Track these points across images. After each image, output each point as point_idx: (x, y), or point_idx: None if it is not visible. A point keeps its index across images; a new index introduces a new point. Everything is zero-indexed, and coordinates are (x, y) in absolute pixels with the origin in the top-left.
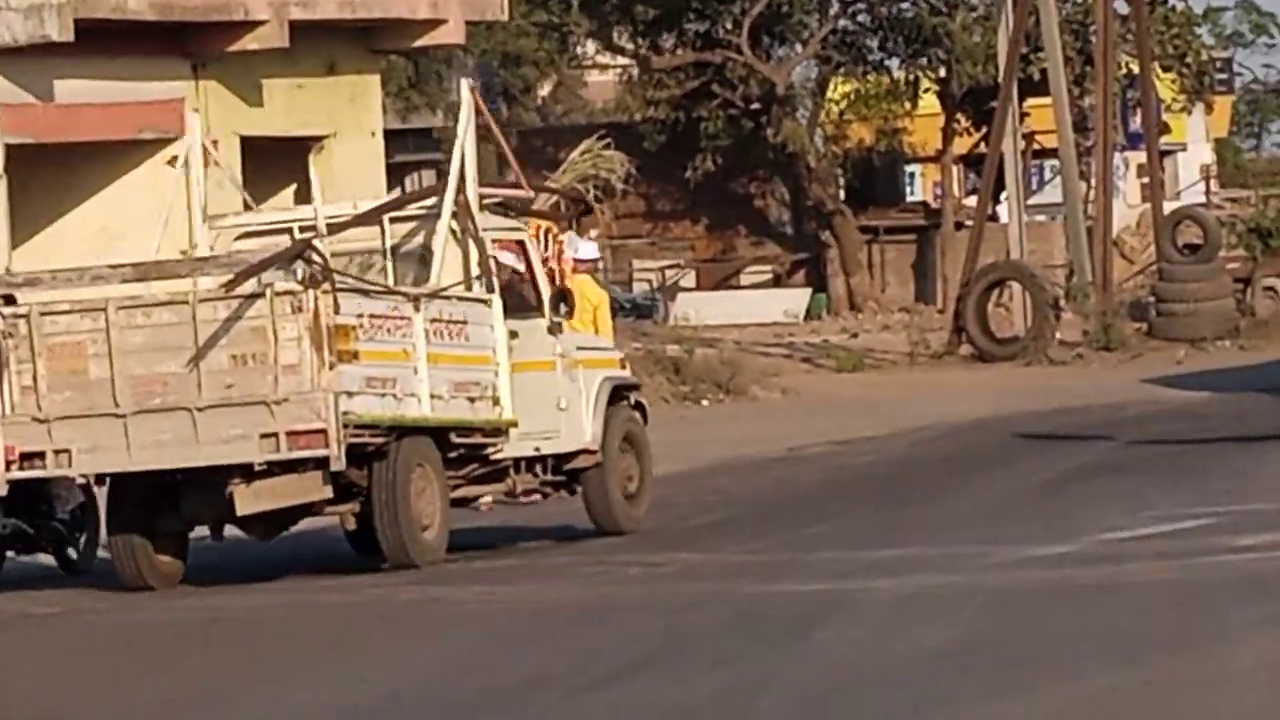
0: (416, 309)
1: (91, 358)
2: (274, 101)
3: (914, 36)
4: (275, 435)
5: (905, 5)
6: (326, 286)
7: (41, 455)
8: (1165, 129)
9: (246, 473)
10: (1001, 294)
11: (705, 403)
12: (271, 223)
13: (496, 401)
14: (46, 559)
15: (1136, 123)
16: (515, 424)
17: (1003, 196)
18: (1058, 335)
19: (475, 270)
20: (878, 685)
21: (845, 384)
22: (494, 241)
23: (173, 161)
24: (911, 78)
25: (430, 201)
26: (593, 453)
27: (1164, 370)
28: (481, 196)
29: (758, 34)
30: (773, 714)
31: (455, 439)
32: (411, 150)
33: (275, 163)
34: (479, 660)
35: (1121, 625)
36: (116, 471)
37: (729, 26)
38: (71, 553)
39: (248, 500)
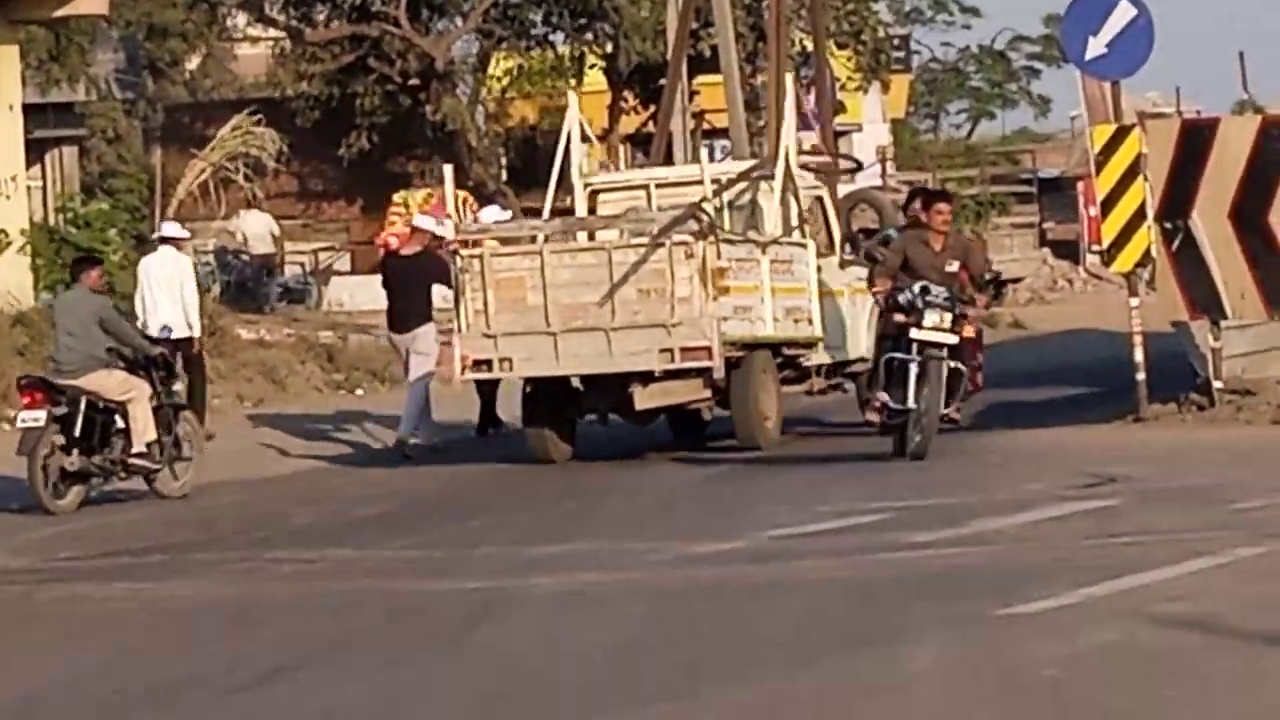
0: (763, 253)
1: (529, 289)
2: None
3: (579, 10)
4: (671, 350)
5: None
6: (711, 238)
7: (489, 362)
8: (840, 108)
9: (645, 378)
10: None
11: (360, 391)
12: (628, 182)
13: (810, 322)
14: None
15: (810, 102)
16: (822, 339)
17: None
18: None
19: (793, 220)
20: (542, 687)
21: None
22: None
23: None
24: (577, 53)
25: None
26: (865, 360)
27: None
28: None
29: (416, 6)
30: (434, 718)
31: (785, 351)
32: (52, 126)
33: None
34: (122, 662)
35: (792, 625)
36: (546, 375)
37: None
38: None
39: (644, 399)
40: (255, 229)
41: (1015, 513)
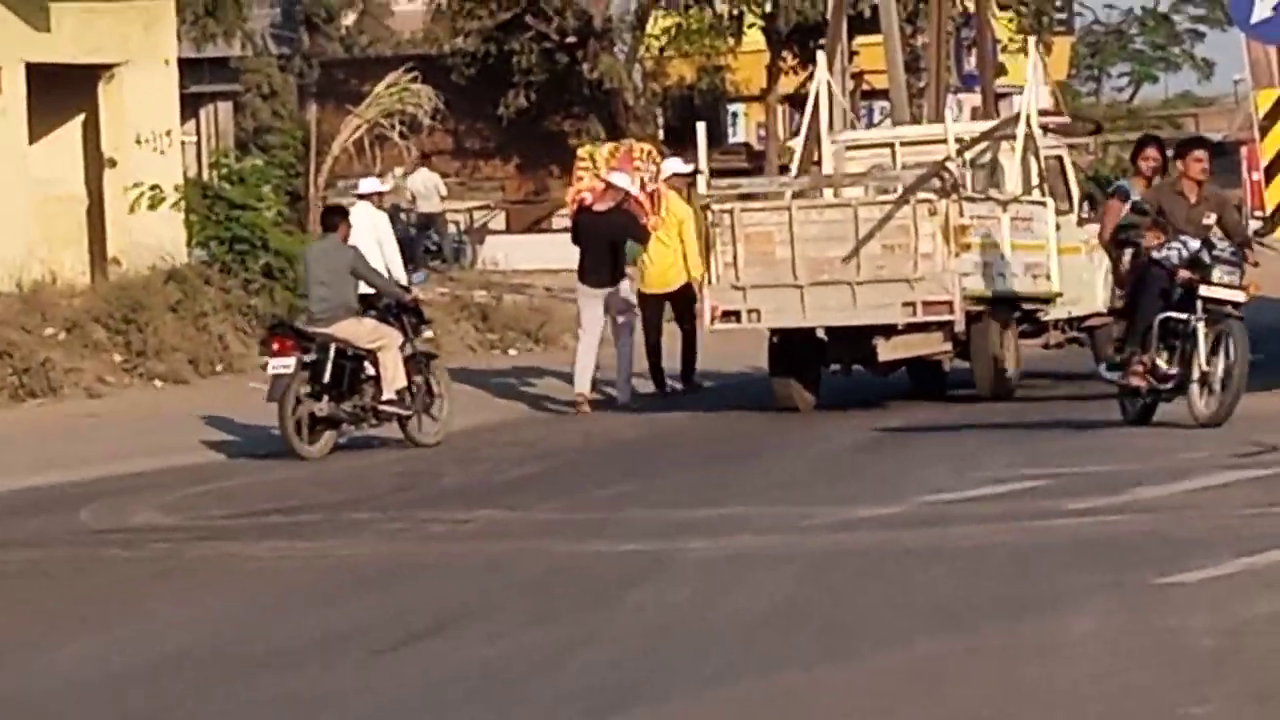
0: (1004, 210)
1: (777, 244)
2: (63, 27)
3: None
4: (914, 304)
5: None
6: (955, 196)
7: (737, 313)
8: (1001, 70)
9: (888, 331)
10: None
11: (514, 351)
12: (873, 140)
13: (1048, 277)
14: None
15: (971, 63)
16: (1060, 295)
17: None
18: None
19: (1033, 179)
20: (695, 648)
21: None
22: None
23: None
24: (736, 13)
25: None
26: (1102, 314)
27: None
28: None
29: None
30: (586, 675)
31: (1024, 306)
32: (208, 81)
33: (64, 91)
34: (275, 619)
35: (947, 590)
36: (793, 326)
37: None
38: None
39: (887, 350)
40: (423, 187)
41: (1175, 481)
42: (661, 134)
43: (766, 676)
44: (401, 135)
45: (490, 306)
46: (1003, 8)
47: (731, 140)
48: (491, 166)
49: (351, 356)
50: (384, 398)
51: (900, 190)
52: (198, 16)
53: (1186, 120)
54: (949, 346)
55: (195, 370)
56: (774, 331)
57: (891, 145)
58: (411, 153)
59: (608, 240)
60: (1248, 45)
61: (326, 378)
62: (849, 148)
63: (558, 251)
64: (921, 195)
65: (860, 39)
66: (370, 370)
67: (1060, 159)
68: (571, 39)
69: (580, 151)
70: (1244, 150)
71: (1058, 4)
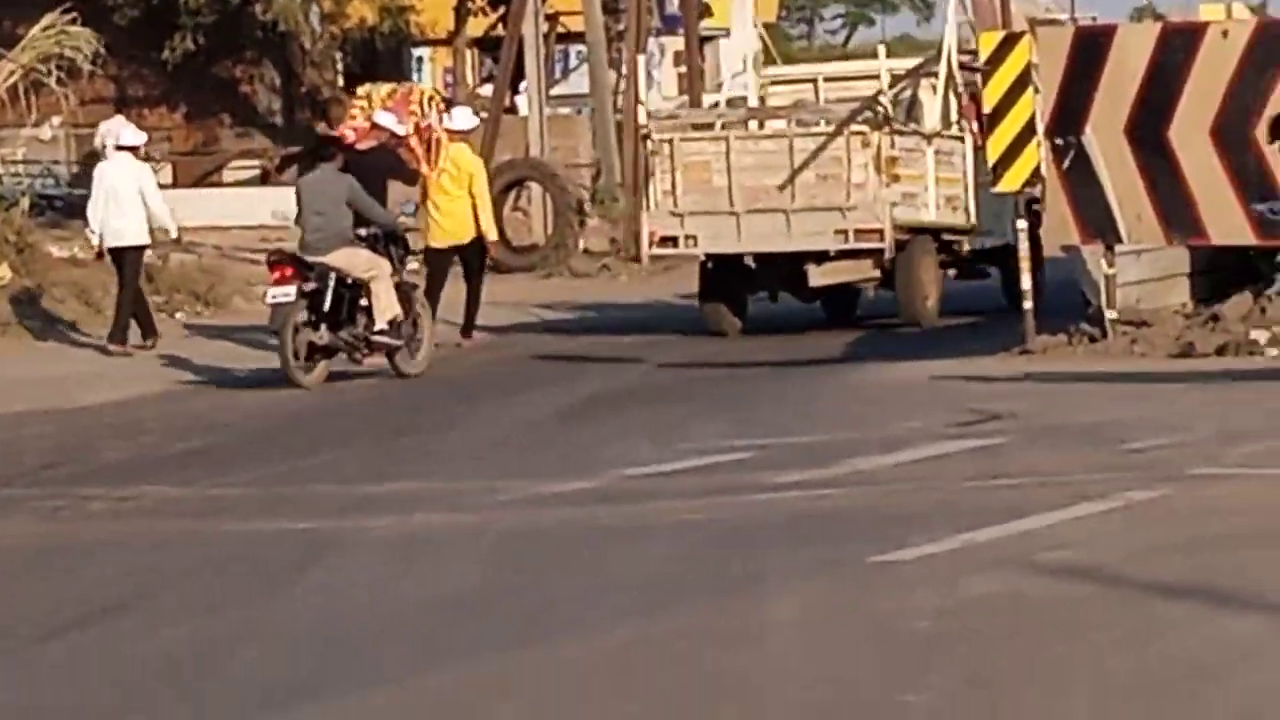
0: (929, 144)
1: (715, 172)
2: None
3: None
4: (845, 231)
5: None
6: (886, 129)
7: (675, 239)
8: (706, 11)
9: (820, 258)
10: (519, 196)
11: (181, 315)
12: (797, 75)
13: (967, 211)
14: None
15: (674, 4)
16: (977, 227)
17: (522, 86)
18: (582, 243)
19: (953, 115)
20: (378, 634)
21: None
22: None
23: None
24: None
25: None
26: (1012, 246)
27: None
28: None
29: None
30: (259, 666)
31: (944, 237)
32: None
33: None
34: None
35: (646, 571)
36: (729, 253)
37: None
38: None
39: (818, 277)
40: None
41: (890, 452)
42: (341, 80)
43: (448, 667)
44: (59, 82)
45: (155, 267)
46: None
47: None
48: (157, 115)
49: (351, 285)
50: (377, 328)
51: (834, 123)
52: None
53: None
54: (877, 274)
55: None
56: (708, 257)
57: (815, 81)
58: (70, 100)
59: (368, 179)
60: None
61: (327, 306)
62: (772, 83)
63: (230, 207)
64: (854, 127)
65: None
66: (364, 301)
67: (975, 96)
68: None
69: (359, 90)
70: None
71: None
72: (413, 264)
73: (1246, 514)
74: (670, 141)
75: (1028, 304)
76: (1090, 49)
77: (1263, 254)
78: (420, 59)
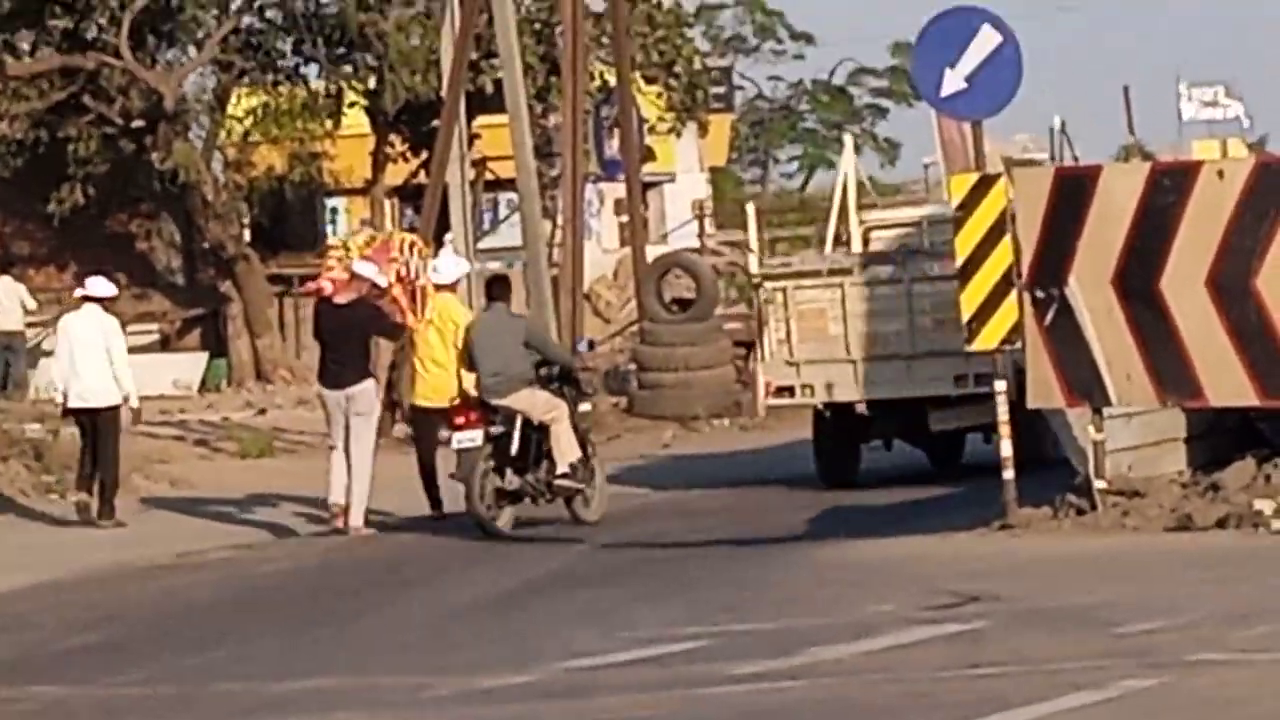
0: None
1: (830, 320)
2: None
3: (336, 38)
4: (966, 376)
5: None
6: None
7: (791, 389)
8: (649, 155)
9: (941, 403)
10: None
11: (73, 496)
12: (900, 220)
13: None
14: None
15: (614, 148)
16: None
17: (447, 238)
18: None
19: None
20: None
21: (250, 473)
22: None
23: None
24: (333, 90)
25: None
26: None
27: (648, 455)
28: None
29: (140, 33)
30: None
31: None
32: None
33: None
34: None
35: None
36: (847, 400)
37: (104, 23)
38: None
39: (937, 421)
40: (4, 298)
41: (858, 639)
42: (248, 235)
43: None
44: None
45: (45, 443)
46: (649, 81)
47: (332, 240)
48: (45, 274)
49: (537, 428)
50: (559, 471)
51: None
52: None
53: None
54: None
55: None
56: (825, 406)
57: (920, 224)
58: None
59: (348, 336)
60: (939, 123)
61: (514, 450)
62: (874, 227)
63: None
64: None
65: (482, 120)
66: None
67: None
68: (138, 122)
69: (332, 240)
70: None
71: (714, 76)
72: (585, 406)
73: (1252, 704)
74: (784, 290)
75: (1008, 474)
76: (1073, 192)
77: (1266, 416)
78: (335, 209)
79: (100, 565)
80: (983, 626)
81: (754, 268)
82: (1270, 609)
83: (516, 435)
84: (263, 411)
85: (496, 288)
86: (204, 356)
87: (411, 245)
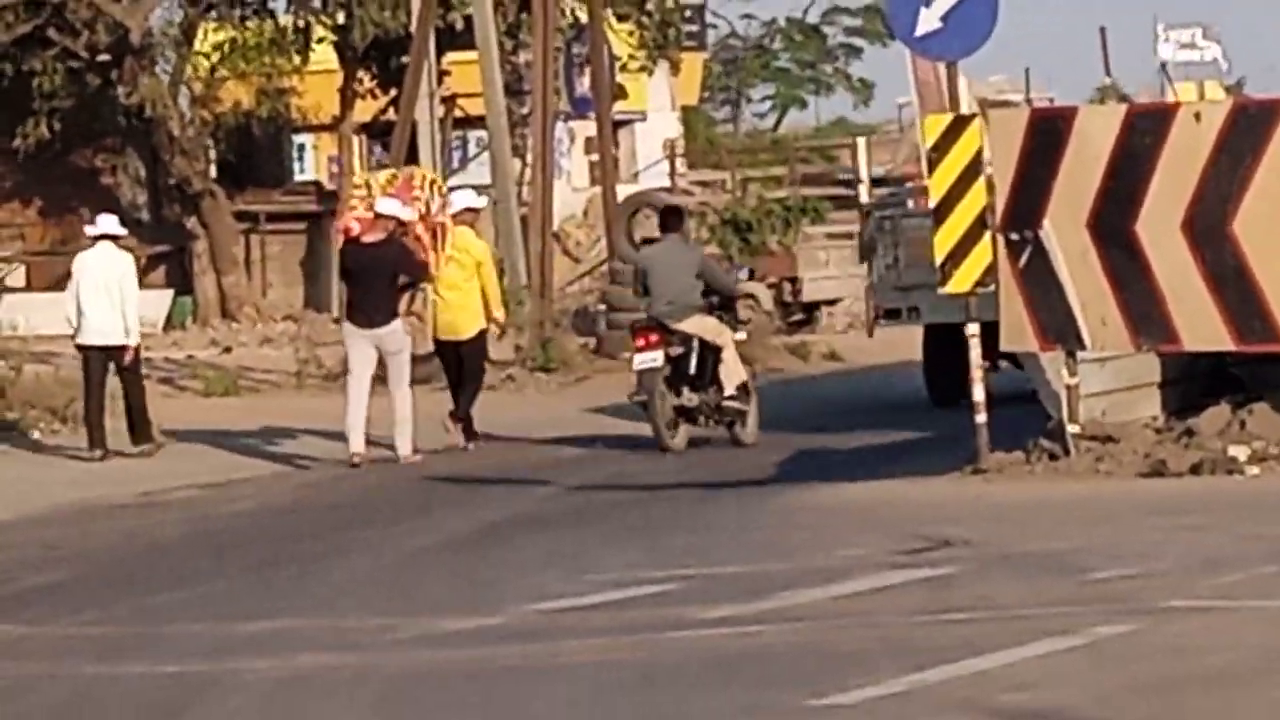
0: None
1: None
2: None
3: None
4: None
5: None
6: None
7: (898, 311)
8: (620, 93)
9: None
10: (413, 299)
11: (37, 434)
12: None
13: None
14: None
15: (584, 85)
16: None
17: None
18: None
19: None
20: None
21: (216, 411)
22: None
23: None
24: (301, 24)
25: None
26: None
27: (616, 397)
28: None
29: None
30: None
31: None
32: None
33: None
34: None
35: (558, 717)
36: (947, 322)
37: None
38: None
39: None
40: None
41: (830, 583)
42: (214, 170)
43: None
44: None
45: (8, 379)
46: (621, 19)
47: (299, 177)
48: (9, 210)
49: (713, 349)
50: (727, 393)
51: None
52: None
53: (842, 151)
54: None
55: None
56: (929, 328)
57: None
58: None
59: (376, 276)
60: (913, 63)
61: (692, 370)
62: None
63: None
64: None
65: (451, 56)
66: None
67: None
68: (104, 57)
69: (355, 178)
70: (909, 187)
71: (687, 14)
72: (742, 334)
73: (1223, 652)
74: (893, 218)
75: (980, 417)
76: (1048, 134)
77: (1241, 361)
78: (302, 146)
79: (63, 503)
80: (954, 572)
81: (864, 197)
82: (1243, 556)
83: (694, 356)
84: (228, 350)
85: (672, 219)
86: (169, 294)
87: (432, 183)
